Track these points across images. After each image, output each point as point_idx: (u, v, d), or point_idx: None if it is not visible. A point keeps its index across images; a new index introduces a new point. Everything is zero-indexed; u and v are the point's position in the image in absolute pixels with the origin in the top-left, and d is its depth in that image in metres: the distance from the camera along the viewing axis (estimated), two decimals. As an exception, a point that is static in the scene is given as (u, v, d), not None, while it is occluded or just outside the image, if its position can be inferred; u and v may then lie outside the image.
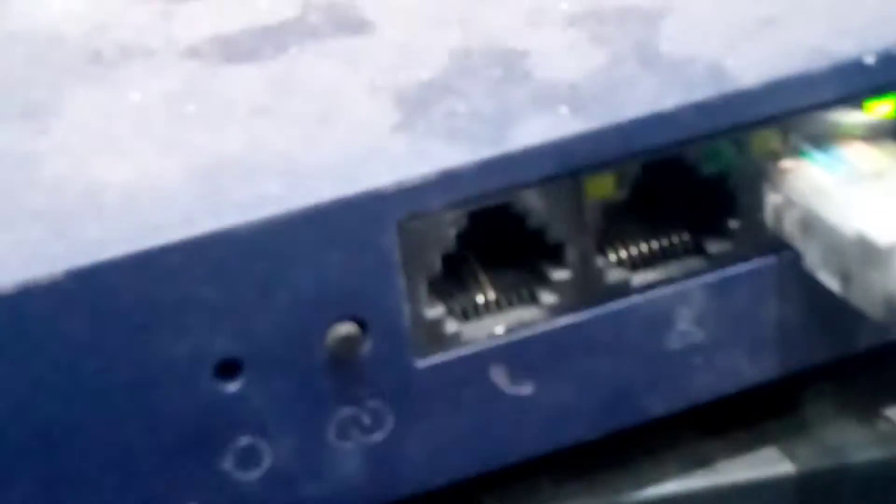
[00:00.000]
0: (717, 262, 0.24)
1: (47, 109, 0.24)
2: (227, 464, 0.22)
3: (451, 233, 0.22)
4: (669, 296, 0.24)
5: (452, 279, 0.23)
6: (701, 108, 0.23)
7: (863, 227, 0.22)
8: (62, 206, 0.21)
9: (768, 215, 0.24)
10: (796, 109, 0.23)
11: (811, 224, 0.23)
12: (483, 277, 0.23)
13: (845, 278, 0.22)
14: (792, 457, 0.25)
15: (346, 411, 0.22)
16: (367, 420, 0.22)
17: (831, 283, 0.23)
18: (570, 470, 0.25)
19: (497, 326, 0.23)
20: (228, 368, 0.21)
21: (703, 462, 0.25)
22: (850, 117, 0.23)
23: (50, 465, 0.21)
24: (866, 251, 0.22)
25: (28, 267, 0.20)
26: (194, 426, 0.21)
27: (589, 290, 0.23)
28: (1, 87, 0.25)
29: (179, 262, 0.21)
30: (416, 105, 0.23)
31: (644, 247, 0.24)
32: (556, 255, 0.23)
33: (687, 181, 0.23)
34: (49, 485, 0.21)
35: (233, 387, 0.21)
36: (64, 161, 0.22)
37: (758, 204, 0.24)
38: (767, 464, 0.25)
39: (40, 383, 0.20)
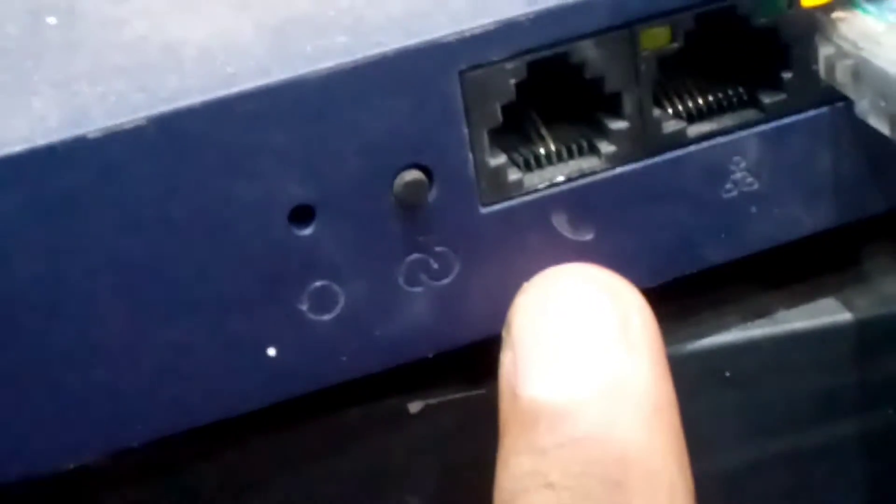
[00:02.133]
0: (772, 113, 0.25)
1: (128, -21, 0.25)
2: (304, 305, 0.23)
3: (512, 83, 0.23)
4: (725, 146, 0.25)
5: (514, 131, 0.24)
6: (752, -41, 0.23)
7: (910, 68, 0.22)
8: (143, 62, 0.23)
9: (821, 66, 0.24)
10: (847, -41, 0.24)
11: (862, 71, 0.24)
12: (543, 129, 0.24)
13: (894, 121, 0.23)
14: (850, 306, 0.26)
15: (415, 256, 0.23)
16: (434, 265, 0.24)
17: (882, 126, 0.24)
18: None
19: (558, 175, 0.24)
20: (302, 213, 0.23)
21: (763, 312, 0.26)
22: (900, -32, 0.24)
23: (138, 304, 0.22)
24: (913, 90, 0.22)
25: (113, 115, 0.21)
26: (271, 268, 0.23)
27: (646, 139, 0.24)
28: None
29: (254, 110, 0.22)
30: (476, -37, 0.24)
31: (700, 98, 0.25)
32: (613, 106, 0.24)
33: (741, 34, 0.24)
34: (138, 322, 0.22)
35: (306, 231, 0.23)
36: (144, 23, 0.24)
37: (811, 55, 0.24)
38: (826, 313, 0.26)
39: (126, 224, 0.22)
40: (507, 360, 0.23)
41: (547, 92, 0.24)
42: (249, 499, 0.26)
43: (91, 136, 0.21)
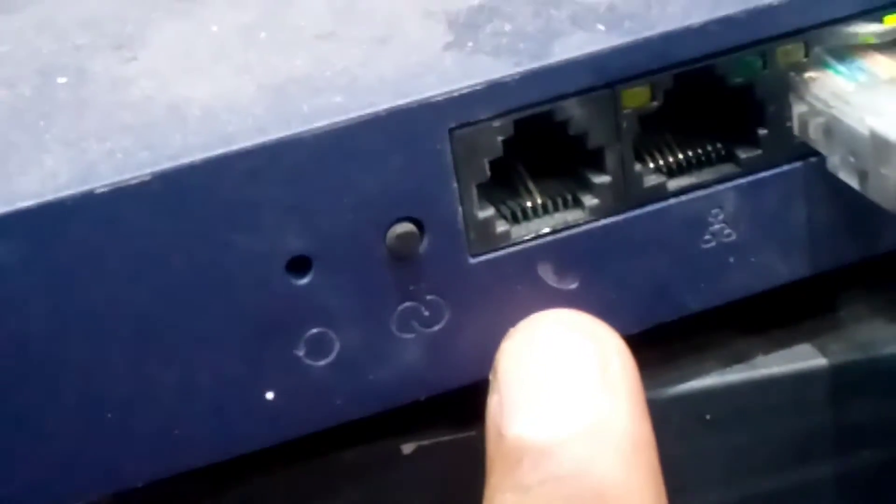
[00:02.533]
0: (748, 167, 0.26)
1: (136, 41, 0.26)
2: (300, 351, 0.24)
3: (499, 140, 0.24)
4: (704, 199, 0.26)
5: (502, 185, 0.25)
6: (728, 23, 0.25)
7: (876, 125, 0.24)
8: (149, 120, 0.24)
9: (795, 123, 0.26)
10: (818, 23, 0.25)
11: (833, 128, 0.25)
12: (530, 183, 0.26)
13: (863, 176, 0.24)
14: (825, 351, 0.27)
15: (407, 304, 0.25)
16: (425, 312, 0.25)
17: (852, 181, 0.25)
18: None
19: (543, 227, 0.25)
20: (299, 264, 0.24)
21: (742, 357, 0.27)
22: (870, 29, 0.25)
23: (141, 352, 0.23)
24: (879, 147, 0.23)
25: (120, 171, 0.23)
26: (269, 317, 0.24)
27: (628, 193, 0.25)
28: (95, 23, 0.27)
29: (253, 167, 0.23)
30: (465, 27, 0.25)
31: (679, 154, 0.26)
32: (596, 161, 0.25)
33: (718, 92, 0.25)
34: (141, 369, 0.23)
35: (303, 281, 0.24)
36: (150, 83, 0.25)
37: (785, 113, 0.26)
38: (802, 358, 0.27)
39: (131, 274, 0.23)
40: (493, 402, 0.24)
41: (533, 147, 0.25)
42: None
43: (98, 191, 0.22)
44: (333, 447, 0.27)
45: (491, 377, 0.24)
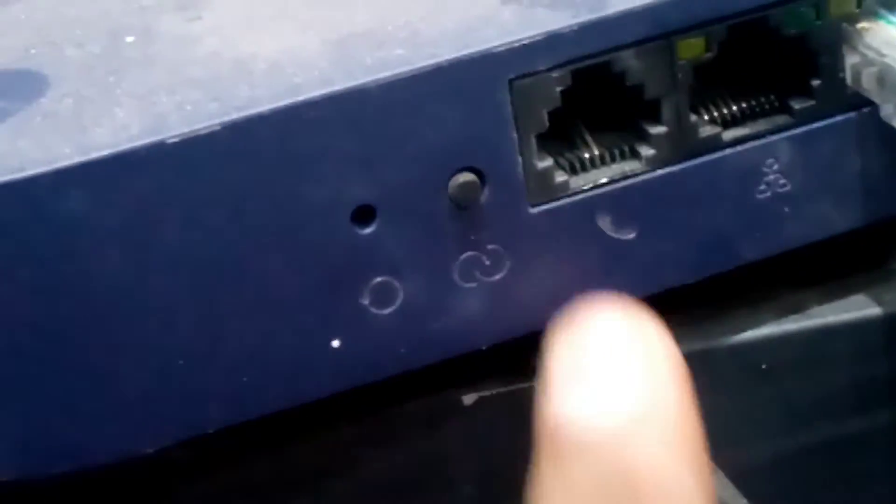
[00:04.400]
0: (802, 118, 0.26)
1: (199, 1, 0.27)
2: (366, 299, 0.25)
3: (558, 90, 0.25)
4: (758, 149, 0.26)
5: (559, 137, 0.26)
6: (782, -26, 0.25)
7: (929, 72, 0.24)
8: (216, 75, 0.24)
9: (847, 74, 0.26)
10: (871, -26, 0.26)
11: (886, 78, 0.25)
12: (586, 135, 0.26)
13: (916, 123, 0.25)
14: (879, 301, 0.28)
15: (469, 254, 0.25)
16: (487, 261, 0.25)
17: (904, 129, 0.25)
18: (672, 315, 0.28)
19: (601, 177, 0.26)
20: (363, 214, 0.24)
21: (796, 308, 0.28)
22: (920, -20, 0.26)
23: (211, 300, 0.24)
24: (932, 92, 0.24)
25: (189, 122, 0.23)
26: (335, 266, 0.24)
27: (684, 144, 0.26)
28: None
29: (319, 117, 0.24)
30: (523, -19, 0.26)
31: (733, 105, 0.26)
32: (652, 112, 0.26)
33: (771, 43, 0.26)
34: (211, 317, 0.24)
35: (368, 230, 0.24)
36: (216, 40, 0.26)
37: (838, 63, 0.26)
38: (856, 308, 0.28)
39: (201, 223, 0.23)
40: (541, 389, 0.24)
41: (589, 99, 0.25)
42: (309, 490, 0.28)
43: (169, 141, 0.23)
44: (395, 399, 0.27)
45: (540, 365, 0.25)
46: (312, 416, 0.26)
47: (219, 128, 0.23)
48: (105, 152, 0.23)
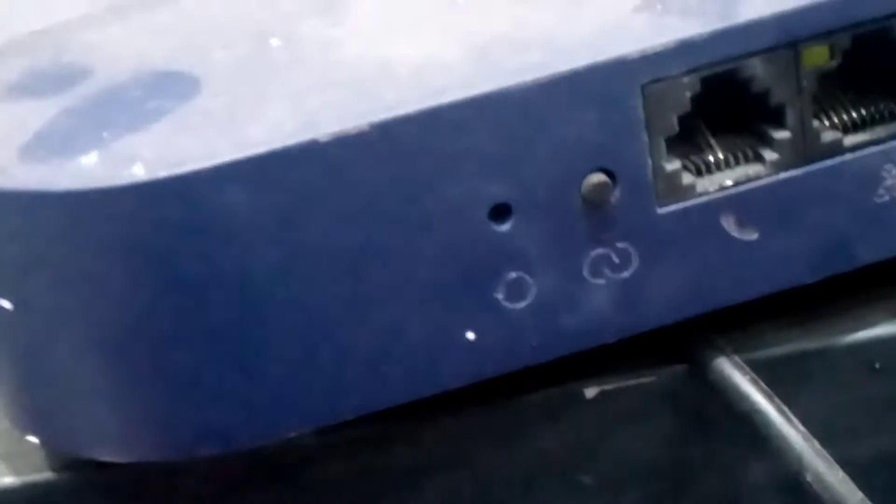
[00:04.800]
0: (921, 125, 0.27)
1: (340, 7, 0.28)
2: (500, 294, 0.26)
3: (687, 96, 0.26)
4: (878, 155, 0.27)
5: (685, 141, 0.27)
6: (905, -14, 0.26)
7: None
8: (361, 77, 0.26)
9: (967, 83, 0.27)
10: None
11: None
12: (711, 139, 0.27)
13: None
14: None
15: (598, 251, 0.26)
16: (615, 259, 0.26)
17: None
18: (791, 315, 0.29)
19: (726, 180, 0.27)
20: (500, 211, 0.25)
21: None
22: None
23: (354, 292, 0.25)
24: None
25: (340, 122, 0.24)
26: (472, 261, 0.26)
27: (806, 148, 0.27)
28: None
29: (461, 119, 0.25)
30: (655, -11, 0.27)
31: (854, 112, 0.27)
32: (777, 118, 0.27)
33: (892, 52, 0.27)
34: (354, 308, 0.25)
35: (504, 227, 0.26)
36: (359, 44, 0.27)
37: (957, 72, 0.27)
38: (969, 310, 0.29)
39: (347, 218, 0.25)
40: None
41: (716, 104, 0.26)
42: (432, 480, 0.29)
43: (321, 140, 0.24)
44: (517, 391, 0.28)
45: None
46: (434, 406, 0.27)
47: (367, 127, 0.24)
48: (261, 149, 0.24)
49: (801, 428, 0.26)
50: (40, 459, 0.28)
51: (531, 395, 0.28)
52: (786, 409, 0.26)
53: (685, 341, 0.28)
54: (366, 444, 0.28)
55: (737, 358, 0.27)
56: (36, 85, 0.28)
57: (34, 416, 0.27)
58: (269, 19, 0.28)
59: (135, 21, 0.30)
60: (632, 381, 0.28)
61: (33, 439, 0.27)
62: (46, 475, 0.28)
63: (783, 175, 0.27)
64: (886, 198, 0.27)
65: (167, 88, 0.26)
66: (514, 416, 0.28)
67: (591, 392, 0.28)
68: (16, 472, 0.28)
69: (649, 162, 0.26)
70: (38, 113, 0.26)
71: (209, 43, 0.28)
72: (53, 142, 0.25)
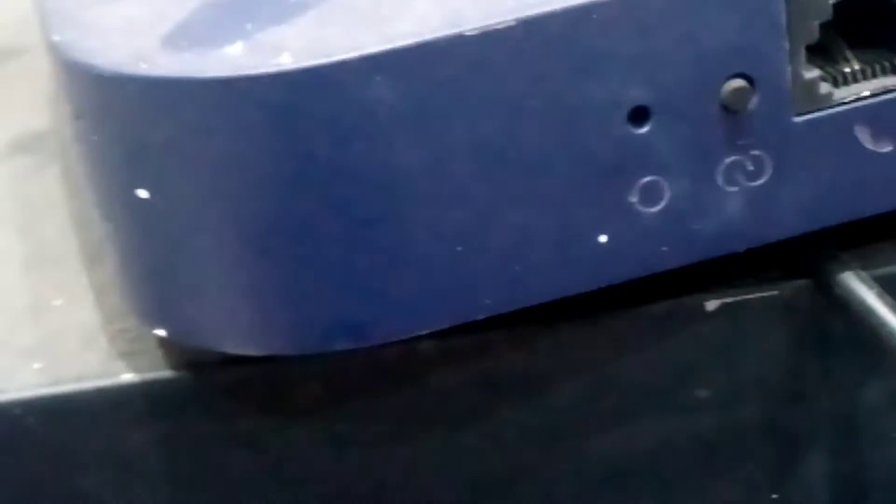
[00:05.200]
0: None
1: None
2: (634, 197, 0.26)
3: (830, 3, 0.26)
4: None
5: (826, 51, 0.27)
6: None
7: None
8: (507, -25, 0.26)
9: None
10: None
11: None
12: (848, 51, 0.27)
13: None
14: None
15: (733, 158, 0.26)
16: (750, 167, 0.26)
17: None
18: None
19: (863, 91, 0.27)
20: (639, 114, 0.25)
21: None
22: None
23: (494, 189, 0.25)
24: None
25: (487, 17, 0.24)
26: (609, 162, 0.26)
27: (945, 63, 0.27)
28: None
29: (606, 18, 0.25)
30: None
31: None
32: (916, 32, 0.27)
33: None
34: (492, 205, 0.25)
35: (642, 130, 0.26)
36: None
37: None
38: None
39: (492, 113, 0.25)
40: None
41: (856, 16, 0.26)
42: (541, 389, 0.29)
43: (468, 34, 0.24)
44: (638, 301, 0.28)
45: None
46: (555, 313, 0.27)
47: (514, 23, 0.24)
48: (408, 41, 0.24)
49: (929, 342, 0.26)
50: (158, 358, 0.29)
51: (652, 305, 0.28)
52: (914, 322, 0.27)
53: (810, 256, 0.28)
54: (484, 350, 0.28)
55: (863, 273, 0.28)
56: (172, -20, 0.28)
57: (166, 309, 0.27)
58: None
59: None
60: (754, 295, 0.28)
61: (162, 332, 0.27)
62: (166, 373, 0.28)
63: (918, 89, 0.27)
64: None
65: (308, -16, 0.26)
66: (634, 327, 0.28)
67: (712, 305, 0.28)
68: (134, 369, 0.28)
69: (789, 69, 0.26)
70: (178, 6, 0.26)
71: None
72: (197, 32, 0.26)
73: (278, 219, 0.25)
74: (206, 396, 0.29)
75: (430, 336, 0.27)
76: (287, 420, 0.29)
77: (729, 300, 0.28)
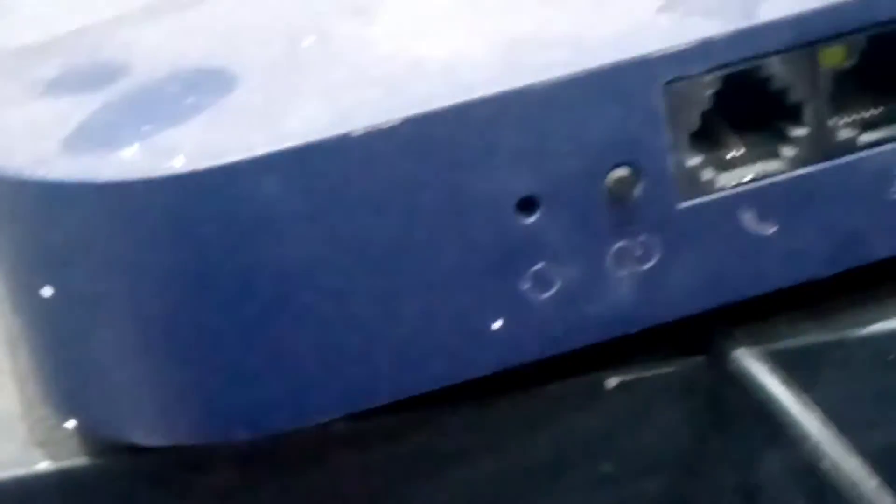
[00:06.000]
0: (936, 124, 0.28)
1: (371, 9, 0.29)
2: (526, 284, 0.27)
3: (708, 94, 0.27)
4: (892, 152, 0.28)
5: (707, 137, 0.28)
6: (919, -12, 0.27)
7: None
8: (393, 74, 0.26)
9: (979, 82, 0.28)
10: None
11: None
12: (732, 136, 0.28)
13: None
14: None
15: (621, 243, 0.27)
16: (638, 251, 0.27)
17: None
18: (807, 307, 0.29)
19: (746, 175, 0.27)
20: (527, 204, 0.26)
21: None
22: None
23: (384, 282, 0.26)
24: None
25: (372, 117, 0.25)
26: (499, 252, 0.26)
27: (823, 145, 0.27)
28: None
29: (491, 114, 0.26)
30: (675, -7, 0.28)
31: (870, 110, 0.28)
32: (795, 116, 0.27)
33: (906, 52, 0.28)
34: (384, 297, 0.26)
35: (531, 219, 0.26)
36: (391, 43, 0.27)
37: (969, 72, 0.28)
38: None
39: (379, 209, 0.25)
40: None
41: (738, 101, 0.27)
42: (449, 468, 0.30)
43: (355, 133, 0.25)
44: (536, 382, 0.29)
45: None
46: (459, 395, 0.28)
47: (398, 122, 0.25)
48: (297, 142, 0.25)
49: (819, 416, 0.27)
50: (75, 446, 0.29)
51: (553, 385, 0.29)
52: (804, 397, 0.27)
53: (704, 333, 0.29)
54: (393, 431, 0.29)
55: (755, 348, 0.28)
56: (75, 82, 0.28)
57: (72, 402, 0.28)
58: (303, 20, 0.29)
59: (169, 21, 0.31)
60: (651, 372, 0.29)
61: (72, 424, 0.28)
62: (81, 460, 0.29)
63: (800, 171, 0.27)
64: (900, 195, 0.28)
65: (204, 85, 0.27)
66: (536, 406, 0.29)
67: (611, 382, 0.29)
68: (51, 457, 0.29)
69: (671, 157, 0.27)
70: (79, 108, 0.27)
71: (244, 42, 0.29)
72: (95, 135, 0.26)
73: (175, 315, 0.26)
74: (123, 484, 0.29)
75: (340, 419, 0.28)
76: (202, 506, 0.29)
77: (627, 378, 0.29)
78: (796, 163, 0.27)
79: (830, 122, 0.27)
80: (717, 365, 0.29)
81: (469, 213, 0.26)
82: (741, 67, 0.27)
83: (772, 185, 0.27)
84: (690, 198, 0.27)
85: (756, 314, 0.29)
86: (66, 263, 0.26)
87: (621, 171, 0.26)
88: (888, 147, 0.28)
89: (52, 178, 0.25)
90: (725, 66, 0.26)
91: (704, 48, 0.26)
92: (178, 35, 0.30)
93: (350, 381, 0.27)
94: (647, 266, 0.27)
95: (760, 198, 0.27)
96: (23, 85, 0.29)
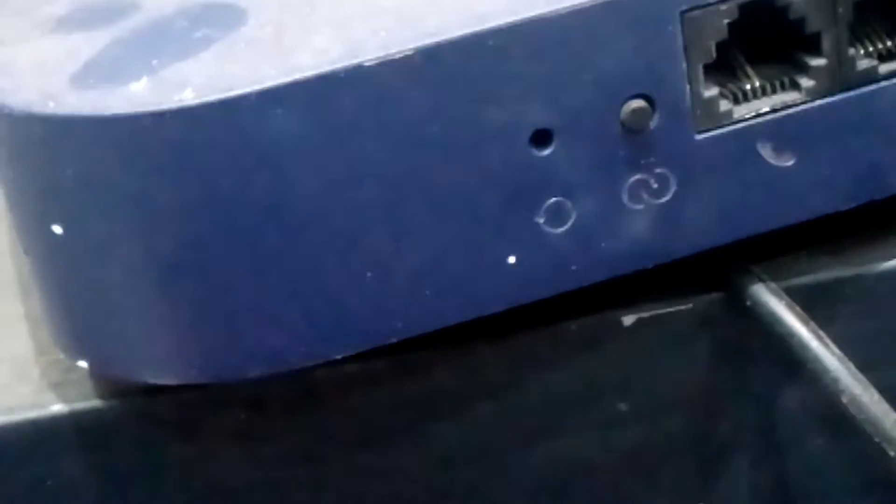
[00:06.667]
0: (956, 53, 0.28)
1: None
2: (541, 218, 0.26)
3: (725, 23, 0.26)
4: (913, 83, 0.28)
5: (722, 69, 0.27)
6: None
7: None
8: (405, 5, 0.26)
9: None
10: None
11: None
12: (748, 67, 0.27)
13: None
14: None
15: (637, 177, 0.27)
16: (654, 184, 0.27)
17: None
18: (823, 244, 0.29)
19: (763, 107, 0.27)
20: (541, 136, 0.26)
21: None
22: None
23: (398, 216, 0.26)
24: None
25: (385, 47, 0.25)
26: (513, 186, 0.26)
27: (842, 76, 0.27)
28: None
29: (504, 44, 0.25)
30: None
31: (889, 41, 0.28)
32: (812, 46, 0.27)
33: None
34: (398, 232, 0.26)
35: (545, 152, 0.26)
36: (403, -25, 0.27)
37: None
38: None
39: (392, 141, 0.25)
40: None
41: (753, 32, 0.27)
42: (464, 408, 0.29)
43: (367, 64, 0.25)
44: (555, 319, 0.29)
45: None
46: (472, 333, 0.28)
47: (411, 52, 0.25)
48: (308, 73, 0.25)
49: (837, 351, 0.27)
50: (88, 388, 0.29)
51: (569, 322, 0.29)
52: (822, 333, 0.27)
53: (722, 269, 0.29)
54: (407, 370, 0.29)
55: (773, 284, 0.28)
56: (85, 18, 0.28)
57: (84, 342, 0.27)
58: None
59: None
60: (669, 309, 0.29)
61: (83, 364, 0.28)
62: (94, 403, 0.29)
63: (819, 102, 0.27)
64: (921, 126, 0.28)
65: (214, 19, 0.27)
66: (552, 344, 0.29)
67: (628, 320, 0.29)
68: (65, 400, 0.29)
69: (687, 88, 0.26)
70: (88, 44, 0.27)
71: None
72: (104, 70, 0.26)
73: (186, 251, 0.25)
74: (135, 425, 0.29)
75: (353, 358, 0.27)
76: (214, 446, 0.29)
77: (645, 315, 0.29)
78: (815, 94, 0.27)
79: (850, 52, 0.27)
80: (735, 301, 0.28)
81: (483, 145, 0.26)
82: (758, -5, 0.26)
83: (790, 116, 0.27)
84: (707, 130, 0.27)
85: (774, 250, 0.29)
86: (75, 199, 0.26)
87: (637, 103, 0.26)
88: (908, 77, 0.28)
89: (61, 112, 0.25)
90: (742, -7, 0.26)
91: (721, -24, 0.26)
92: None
93: (363, 317, 0.26)
94: (663, 199, 0.27)
95: (778, 129, 0.27)
96: (32, 22, 0.29)
